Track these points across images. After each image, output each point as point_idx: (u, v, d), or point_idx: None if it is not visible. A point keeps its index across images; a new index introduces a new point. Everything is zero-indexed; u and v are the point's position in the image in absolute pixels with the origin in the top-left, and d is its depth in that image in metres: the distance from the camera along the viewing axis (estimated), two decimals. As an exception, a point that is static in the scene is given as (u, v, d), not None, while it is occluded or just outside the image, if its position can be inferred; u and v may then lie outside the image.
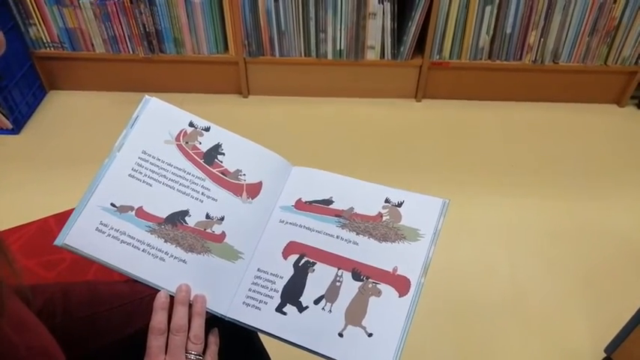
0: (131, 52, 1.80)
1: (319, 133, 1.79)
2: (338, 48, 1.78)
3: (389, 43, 1.76)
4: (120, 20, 1.72)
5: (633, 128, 1.83)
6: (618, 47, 1.76)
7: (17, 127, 1.76)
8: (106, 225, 0.59)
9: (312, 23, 1.72)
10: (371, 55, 1.80)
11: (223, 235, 0.62)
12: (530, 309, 1.28)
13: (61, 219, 0.85)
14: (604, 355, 1.13)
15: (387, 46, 1.77)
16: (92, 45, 1.80)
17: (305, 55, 1.81)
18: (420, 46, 1.78)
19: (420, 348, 1.19)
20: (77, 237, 0.58)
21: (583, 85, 1.87)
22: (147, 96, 0.67)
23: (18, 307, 0.43)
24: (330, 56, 1.80)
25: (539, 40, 1.74)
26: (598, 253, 1.41)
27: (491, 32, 1.74)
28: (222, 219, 0.63)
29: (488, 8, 1.68)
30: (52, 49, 1.82)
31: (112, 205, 0.60)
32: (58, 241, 0.58)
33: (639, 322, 1.00)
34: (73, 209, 0.60)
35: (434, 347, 1.20)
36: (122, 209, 0.60)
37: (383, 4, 1.67)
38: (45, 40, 1.80)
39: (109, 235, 0.59)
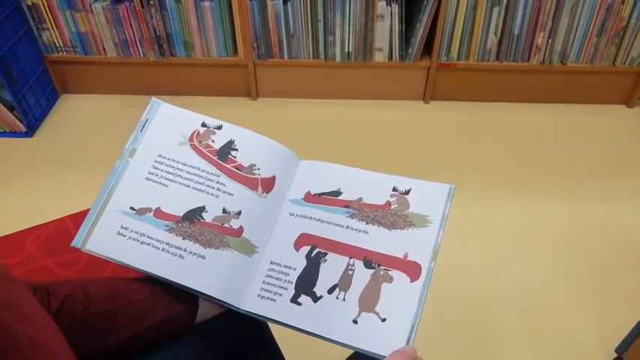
0: (142, 55, 1.83)
1: (328, 135, 1.80)
2: (346, 50, 1.79)
3: (397, 45, 1.77)
4: (131, 24, 1.75)
5: (642, 129, 1.83)
6: (626, 48, 1.76)
7: (31, 131, 1.79)
8: (126, 228, 0.61)
9: (321, 26, 1.74)
10: (379, 57, 1.81)
11: (241, 229, 0.63)
12: (541, 310, 1.28)
13: (78, 219, 0.87)
14: (615, 355, 1.13)
15: (394, 48, 1.78)
16: (104, 49, 1.83)
17: (313, 58, 1.82)
18: (427, 48, 1.79)
19: (430, 348, 1.20)
20: (99, 242, 0.60)
21: (591, 86, 1.87)
22: (154, 98, 0.68)
23: (22, 297, 0.44)
24: (338, 58, 1.81)
25: (547, 41, 1.74)
26: (607, 253, 1.41)
27: (498, 33, 1.74)
28: (239, 213, 0.64)
29: (495, 9, 1.68)
30: (64, 53, 1.85)
31: (132, 208, 0.62)
32: (80, 246, 0.59)
33: (650, 321, 1.01)
34: (89, 210, 0.62)
35: (444, 348, 1.21)
36: (140, 211, 0.62)
37: (391, 6, 1.68)
38: (58, 45, 1.83)
39: (129, 237, 0.60)
